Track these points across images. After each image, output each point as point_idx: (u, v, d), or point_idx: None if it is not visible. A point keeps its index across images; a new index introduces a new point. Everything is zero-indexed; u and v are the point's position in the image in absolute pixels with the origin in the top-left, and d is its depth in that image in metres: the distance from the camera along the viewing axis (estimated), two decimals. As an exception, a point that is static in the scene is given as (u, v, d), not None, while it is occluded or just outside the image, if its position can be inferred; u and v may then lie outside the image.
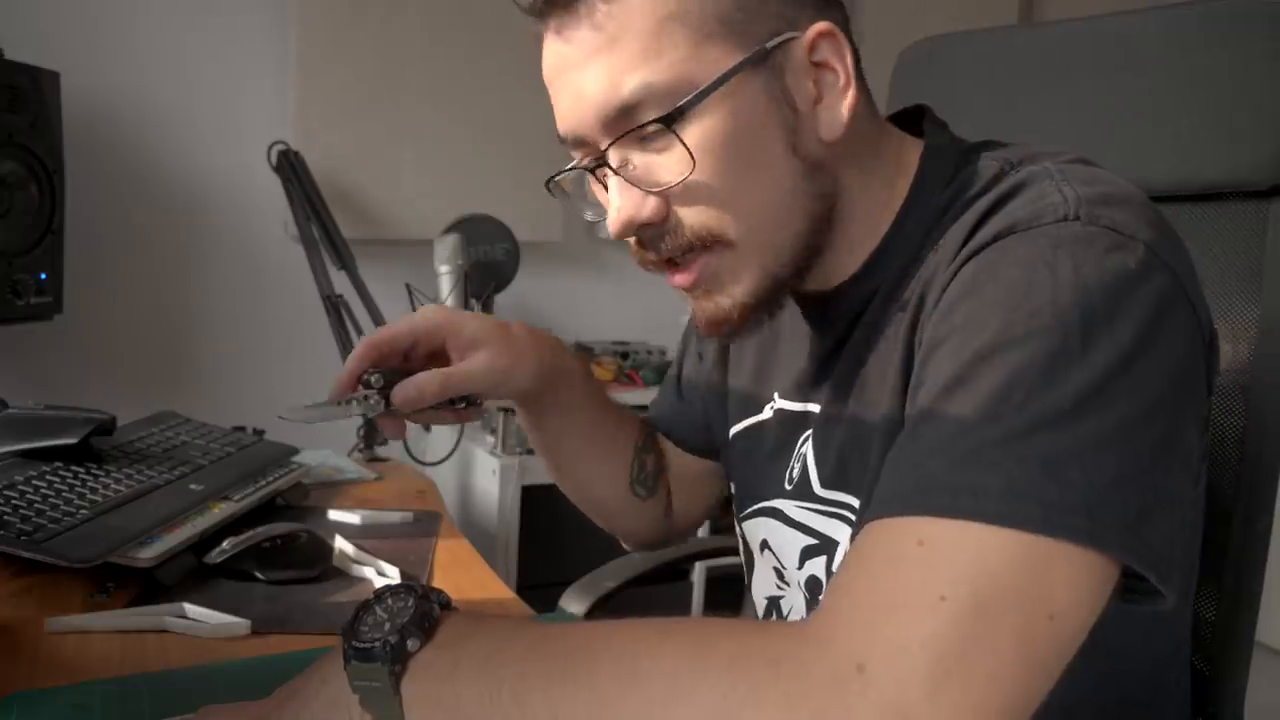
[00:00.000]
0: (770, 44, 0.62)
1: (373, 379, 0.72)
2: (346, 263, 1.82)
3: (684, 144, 0.61)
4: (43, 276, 1.55)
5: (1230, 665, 0.82)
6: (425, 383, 0.72)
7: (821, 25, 0.63)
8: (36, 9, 1.88)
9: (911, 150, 0.69)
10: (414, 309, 1.73)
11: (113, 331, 2.01)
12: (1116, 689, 0.68)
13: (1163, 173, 0.84)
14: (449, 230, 1.98)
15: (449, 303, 1.76)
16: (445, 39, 2.18)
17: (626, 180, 0.64)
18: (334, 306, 1.69)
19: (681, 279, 0.66)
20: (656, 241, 0.65)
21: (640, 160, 0.63)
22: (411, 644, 0.53)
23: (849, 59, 0.64)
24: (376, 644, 0.52)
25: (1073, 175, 0.59)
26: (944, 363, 0.54)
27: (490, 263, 2.09)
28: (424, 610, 0.54)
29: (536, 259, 2.23)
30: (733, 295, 0.66)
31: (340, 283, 1.77)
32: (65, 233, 1.60)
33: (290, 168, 1.87)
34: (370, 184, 2.16)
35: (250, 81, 2.08)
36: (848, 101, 0.64)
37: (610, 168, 0.64)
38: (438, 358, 0.77)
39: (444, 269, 1.79)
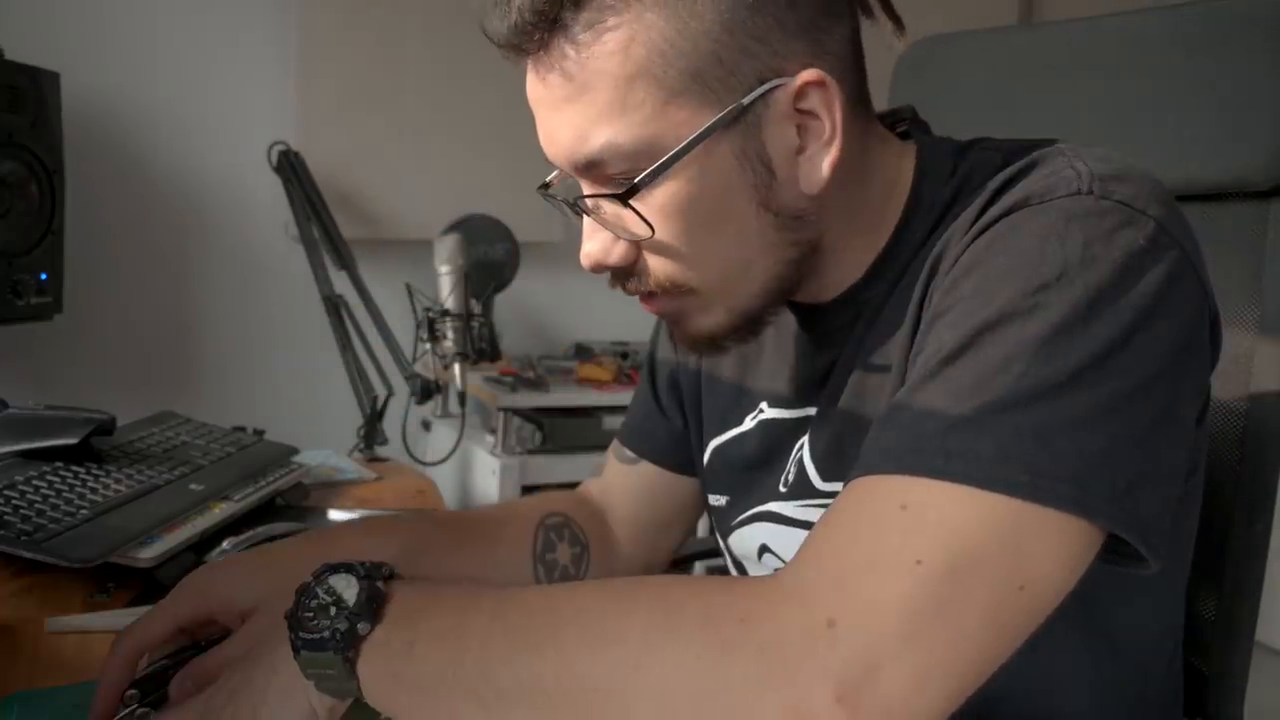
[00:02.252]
0: (748, 99, 0.59)
1: (127, 696, 0.61)
2: (347, 263, 1.82)
3: (640, 215, 0.61)
4: (43, 276, 1.54)
5: (1230, 665, 0.82)
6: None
7: (810, 74, 0.59)
8: (36, 9, 1.88)
9: (905, 156, 0.68)
10: (414, 309, 1.73)
11: (113, 332, 2.01)
12: (1110, 668, 0.68)
13: (1163, 173, 0.82)
14: (449, 230, 1.98)
15: (449, 303, 1.75)
16: (445, 39, 2.18)
17: (598, 223, 0.64)
18: (334, 306, 1.69)
19: (650, 309, 0.68)
20: (623, 280, 0.67)
21: (611, 209, 0.63)
22: (362, 628, 0.52)
23: (838, 111, 0.61)
24: (325, 634, 0.52)
25: (1086, 153, 0.60)
26: (948, 331, 0.55)
27: (490, 263, 2.09)
28: (370, 593, 0.53)
29: (536, 259, 2.23)
30: (699, 328, 0.67)
31: (340, 283, 1.77)
32: (65, 233, 1.59)
33: (290, 168, 1.87)
34: (370, 184, 2.16)
35: (250, 81, 2.08)
36: (831, 156, 0.61)
37: (585, 209, 0.64)
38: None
39: (444, 269, 1.79)
